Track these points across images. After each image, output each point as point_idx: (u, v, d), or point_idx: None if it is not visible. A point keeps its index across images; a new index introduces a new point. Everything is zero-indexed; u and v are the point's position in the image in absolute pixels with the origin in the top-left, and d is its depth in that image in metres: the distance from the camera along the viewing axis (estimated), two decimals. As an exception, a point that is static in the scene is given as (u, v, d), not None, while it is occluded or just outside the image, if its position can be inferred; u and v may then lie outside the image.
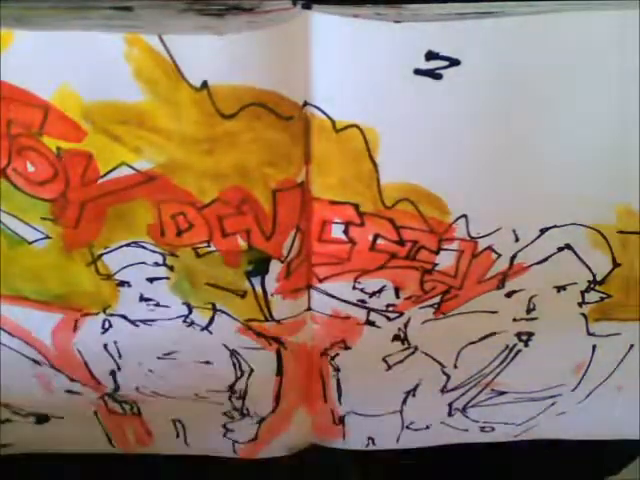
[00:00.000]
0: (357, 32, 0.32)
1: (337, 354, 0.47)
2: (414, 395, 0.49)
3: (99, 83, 0.32)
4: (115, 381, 0.47)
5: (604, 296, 0.43)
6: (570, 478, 0.56)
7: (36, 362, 0.46)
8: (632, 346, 0.46)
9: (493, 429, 0.53)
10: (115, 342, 0.45)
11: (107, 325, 0.44)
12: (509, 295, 0.43)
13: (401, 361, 0.47)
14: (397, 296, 0.43)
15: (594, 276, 0.42)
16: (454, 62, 0.32)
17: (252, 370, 0.47)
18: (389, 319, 0.44)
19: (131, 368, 0.46)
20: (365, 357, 0.47)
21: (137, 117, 0.34)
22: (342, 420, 0.51)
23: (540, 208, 0.39)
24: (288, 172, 0.37)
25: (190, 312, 0.43)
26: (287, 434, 0.52)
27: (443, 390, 0.49)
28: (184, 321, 0.43)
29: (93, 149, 0.35)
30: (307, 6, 0.32)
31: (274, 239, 0.39)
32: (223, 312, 0.43)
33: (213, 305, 0.42)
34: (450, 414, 0.51)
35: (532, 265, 0.42)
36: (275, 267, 0.40)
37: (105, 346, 0.45)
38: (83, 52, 0.31)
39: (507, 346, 0.46)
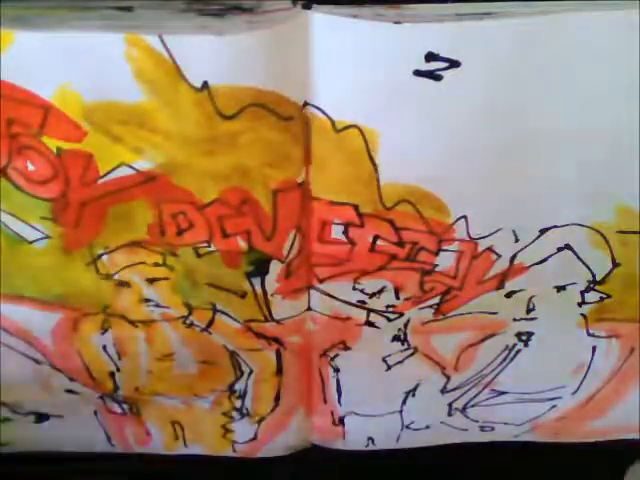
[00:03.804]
0: (357, 32, 0.32)
1: (337, 355, 0.47)
2: (414, 395, 0.49)
3: (99, 83, 0.32)
4: (114, 381, 0.47)
5: (604, 296, 0.43)
6: (570, 478, 0.56)
7: (36, 361, 0.46)
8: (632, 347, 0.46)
9: (493, 429, 0.52)
10: (114, 343, 0.45)
11: (106, 325, 0.44)
12: (509, 295, 0.43)
13: (401, 361, 0.47)
14: (397, 297, 0.43)
15: (594, 276, 0.42)
16: (454, 63, 0.32)
17: (252, 370, 0.47)
18: (389, 320, 0.44)
19: (130, 369, 0.46)
20: (365, 358, 0.47)
21: (137, 117, 0.34)
22: (342, 420, 0.51)
23: (540, 208, 0.39)
24: (288, 172, 0.37)
25: (190, 313, 0.43)
26: (287, 434, 0.52)
27: (443, 390, 0.49)
28: (184, 322, 0.43)
29: (93, 149, 0.35)
30: (307, 6, 0.32)
31: (274, 240, 0.39)
32: (223, 313, 0.43)
33: (213, 305, 0.42)
34: (450, 414, 0.51)
35: (532, 265, 0.42)
36: (275, 267, 0.40)
37: (104, 347, 0.45)
38: (83, 52, 0.31)
39: (507, 346, 0.46)
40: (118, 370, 0.46)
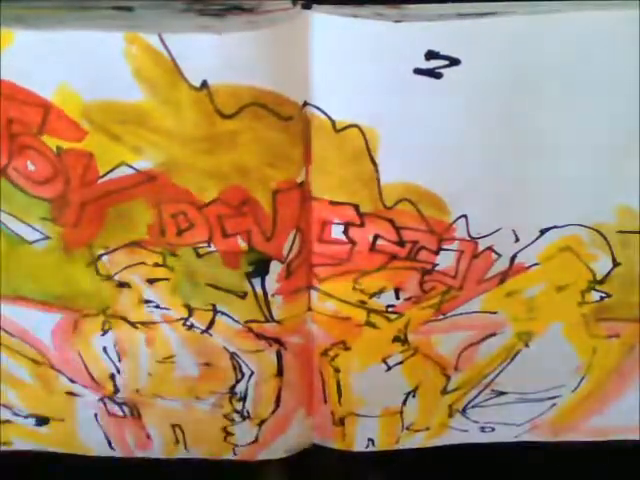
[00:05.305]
0: (357, 32, 0.32)
1: (337, 355, 0.47)
2: (414, 396, 0.49)
3: (99, 82, 0.33)
4: (114, 383, 0.47)
5: (604, 295, 0.43)
6: (570, 478, 0.56)
7: (36, 362, 0.45)
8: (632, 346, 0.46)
9: (493, 429, 0.52)
10: (114, 344, 0.45)
11: (107, 327, 0.44)
12: (509, 295, 0.43)
13: (401, 362, 0.47)
14: (397, 297, 0.43)
15: (594, 276, 0.42)
16: (454, 61, 0.33)
17: (252, 372, 0.47)
18: (389, 320, 0.44)
19: (131, 371, 0.46)
20: (365, 358, 0.47)
21: (137, 117, 0.34)
22: (342, 421, 0.51)
23: (540, 208, 0.39)
24: (288, 172, 0.37)
25: (190, 315, 0.43)
26: (287, 435, 0.52)
27: (443, 391, 0.49)
28: (184, 324, 0.43)
29: (93, 149, 0.35)
30: (307, 6, 0.32)
31: (274, 240, 0.39)
32: (223, 314, 0.43)
33: (213, 307, 0.42)
34: (450, 415, 0.51)
35: (532, 265, 0.42)
36: (275, 268, 0.40)
37: (105, 348, 0.45)
38: (83, 52, 0.31)
39: (507, 346, 0.46)
40: (118, 372, 0.46)
